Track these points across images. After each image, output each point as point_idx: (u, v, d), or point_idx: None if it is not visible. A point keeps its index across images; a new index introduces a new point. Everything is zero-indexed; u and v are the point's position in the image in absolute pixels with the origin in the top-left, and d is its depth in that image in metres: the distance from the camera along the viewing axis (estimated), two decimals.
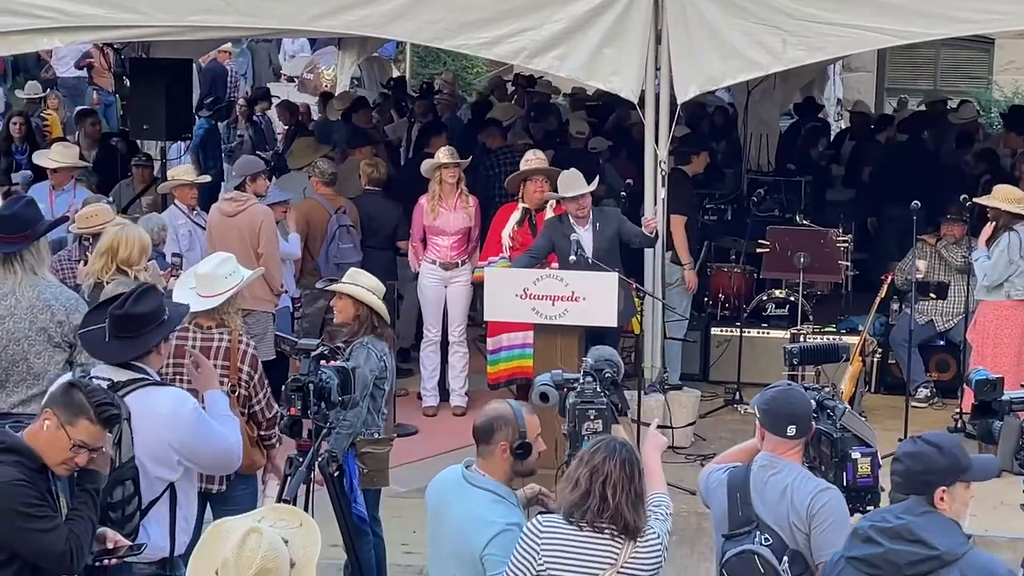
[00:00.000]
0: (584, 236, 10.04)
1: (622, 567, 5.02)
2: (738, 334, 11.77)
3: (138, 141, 14.23)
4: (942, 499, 4.64)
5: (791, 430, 5.32)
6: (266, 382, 7.04)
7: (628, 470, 5.03)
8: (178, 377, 6.95)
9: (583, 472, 5.05)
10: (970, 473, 4.75)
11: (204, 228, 10.81)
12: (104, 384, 5.65)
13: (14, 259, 6.95)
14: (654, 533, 5.12)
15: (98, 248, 8.08)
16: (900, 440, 10.03)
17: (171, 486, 5.89)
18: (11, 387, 6.86)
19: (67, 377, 5.57)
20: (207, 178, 11.74)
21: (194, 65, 16.50)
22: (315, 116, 18.85)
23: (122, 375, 5.93)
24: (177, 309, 6.35)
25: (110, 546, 5.38)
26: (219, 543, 4.32)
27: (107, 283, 7.81)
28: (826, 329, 11.61)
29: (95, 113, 16.49)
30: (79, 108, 17.41)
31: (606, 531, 5.02)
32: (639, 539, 5.04)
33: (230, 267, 7.05)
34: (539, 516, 5.16)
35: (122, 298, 6.06)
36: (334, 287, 7.62)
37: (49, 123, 17.02)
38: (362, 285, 7.54)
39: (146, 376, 5.97)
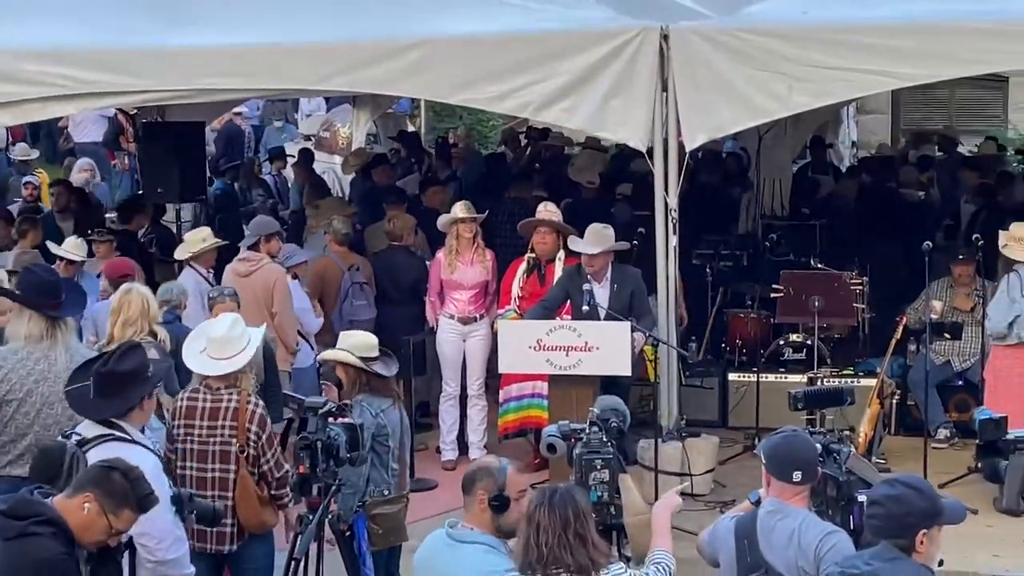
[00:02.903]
0: (600, 292, 10.08)
1: None
2: (756, 379, 11.76)
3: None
4: (922, 542, 4.64)
5: (797, 475, 5.33)
6: (275, 442, 7.08)
7: (561, 515, 5.05)
8: (188, 438, 7.01)
9: (523, 524, 5.11)
10: (944, 516, 4.76)
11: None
12: (74, 439, 5.72)
13: (58, 324, 7.09)
14: (620, 567, 5.14)
15: (126, 319, 8.18)
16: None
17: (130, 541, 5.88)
18: None
19: (110, 461, 5.58)
20: (226, 242, 11.81)
21: (207, 127, 16.62)
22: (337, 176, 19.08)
23: (93, 431, 6.05)
24: (160, 365, 6.42)
25: None
26: None
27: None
28: (844, 372, 11.60)
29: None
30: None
31: (562, 574, 5.03)
32: (603, 573, 5.06)
33: (240, 328, 7.12)
34: None
35: (106, 356, 6.14)
36: (321, 357, 7.71)
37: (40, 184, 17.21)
38: (342, 345, 7.60)
39: (113, 432, 6.04)
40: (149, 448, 6.24)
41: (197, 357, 7.09)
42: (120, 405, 6.12)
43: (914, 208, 14.59)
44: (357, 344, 7.58)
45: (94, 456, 5.88)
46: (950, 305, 11.50)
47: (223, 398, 7.01)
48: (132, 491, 5.20)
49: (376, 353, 7.57)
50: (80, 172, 18.05)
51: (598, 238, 10.21)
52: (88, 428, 6.15)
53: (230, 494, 7.02)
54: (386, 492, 7.42)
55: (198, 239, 11.28)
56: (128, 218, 13.96)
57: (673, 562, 5.40)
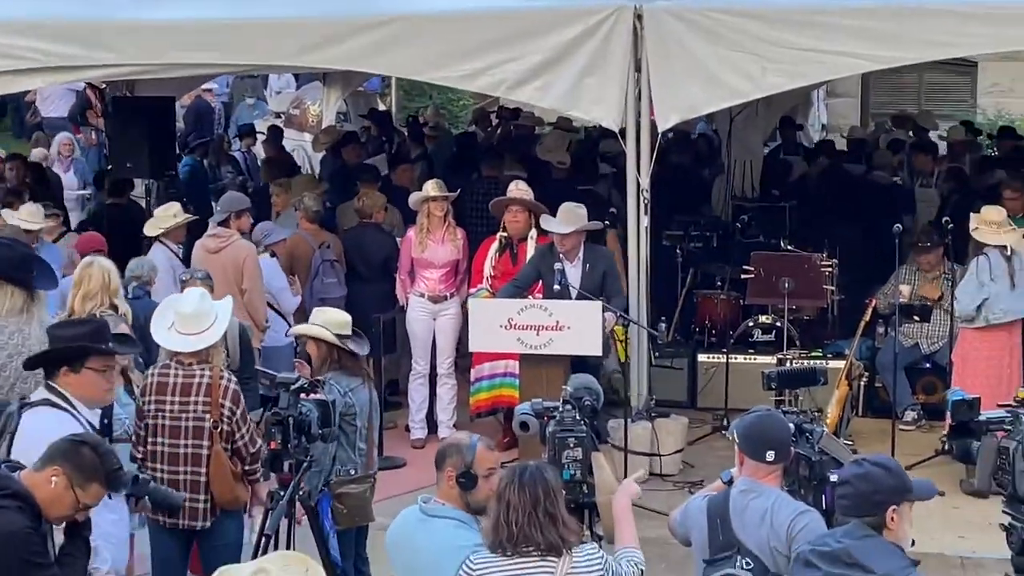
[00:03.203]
0: (572, 271, 10.07)
1: None
2: (725, 361, 11.78)
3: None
4: (892, 519, 4.67)
5: (770, 455, 5.34)
6: (248, 417, 7.05)
7: (531, 492, 5.05)
8: (160, 414, 6.97)
9: (493, 502, 5.11)
10: (914, 493, 4.78)
11: (188, 265, 10.85)
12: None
13: (34, 298, 7.06)
14: (592, 547, 5.15)
15: (86, 292, 8.14)
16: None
17: None
18: None
19: (78, 434, 5.55)
20: (196, 217, 11.74)
21: (177, 103, 16.54)
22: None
23: (39, 395, 6.13)
24: (129, 347, 6.42)
25: None
26: None
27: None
28: (812, 354, 11.62)
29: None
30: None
31: (532, 553, 5.03)
32: (574, 553, 5.05)
33: (209, 302, 7.08)
34: (470, 556, 5.14)
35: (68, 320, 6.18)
36: (292, 331, 7.67)
37: None
38: (319, 323, 7.56)
39: (51, 398, 6.06)
40: (84, 422, 6.19)
41: (166, 333, 7.05)
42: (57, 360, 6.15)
43: (885, 191, 14.61)
44: (331, 321, 7.54)
45: (27, 420, 5.94)
46: (917, 293, 11.54)
47: (195, 373, 6.98)
48: (101, 465, 5.16)
49: (349, 331, 7.53)
50: (57, 146, 17.89)
51: (571, 217, 10.19)
52: (38, 393, 6.18)
53: (203, 470, 6.99)
54: (352, 472, 7.35)
55: (168, 215, 11.21)
56: (121, 190, 13.88)
57: (642, 557, 5.40)
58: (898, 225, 10.67)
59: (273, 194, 12.71)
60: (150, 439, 7.09)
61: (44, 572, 5.05)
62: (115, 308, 8.27)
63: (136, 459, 7.09)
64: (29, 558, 5.01)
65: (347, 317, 7.65)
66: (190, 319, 7.03)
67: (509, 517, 5.02)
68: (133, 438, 7.15)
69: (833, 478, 5.32)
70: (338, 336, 7.45)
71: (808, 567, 4.71)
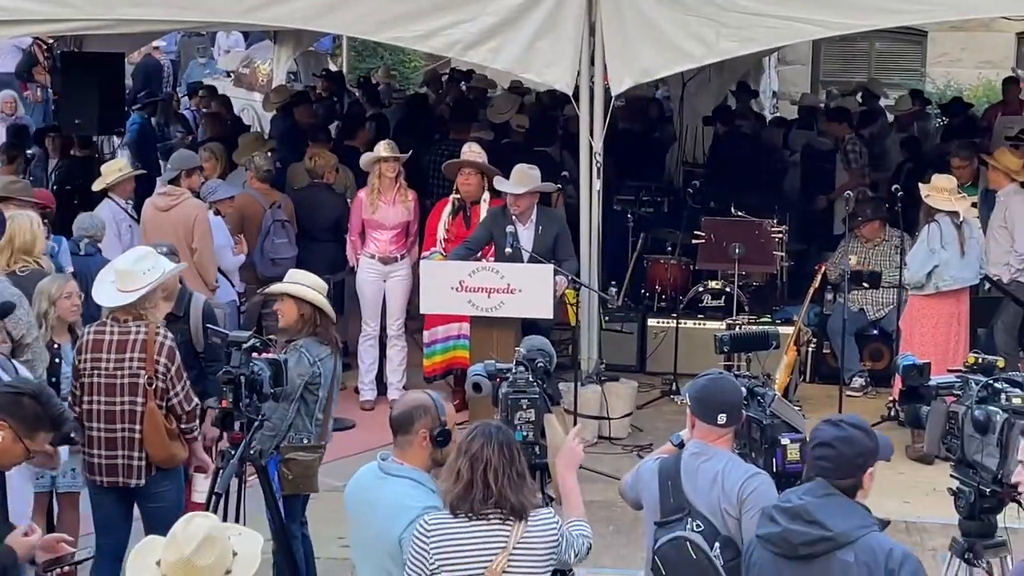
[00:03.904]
0: (524, 233, 10.06)
1: (514, 548, 5.03)
2: (675, 325, 11.83)
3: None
4: (869, 479, 4.74)
5: (721, 418, 5.35)
6: (184, 375, 7.02)
7: (507, 453, 5.05)
8: (95, 372, 6.92)
9: (463, 463, 5.05)
10: (881, 453, 4.84)
11: (138, 222, 10.77)
12: None
13: None
14: (548, 512, 5.16)
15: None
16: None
17: None
18: None
19: (16, 384, 5.50)
20: (143, 171, 11.65)
21: (126, 60, 16.37)
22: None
23: None
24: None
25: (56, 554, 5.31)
26: (157, 541, 4.36)
27: (20, 272, 8.14)
28: (761, 320, 11.69)
29: None
30: None
31: (492, 517, 5.02)
32: (530, 518, 5.06)
33: (150, 262, 7.04)
34: (424, 516, 5.14)
35: None
36: (274, 288, 7.56)
37: None
38: (304, 283, 7.46)
39: None
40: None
41: (104, 289, 7.00)
42: None
43: (829, 157, 14.69)
44: (316, 284, 7.44)
45: None
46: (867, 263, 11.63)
47: (131, 330, 6.95)
48: (44, 412, 5.16)
49: (325, 297, 7.48)
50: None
51: (524, 178, 10.17)
52: None
53: (138, 427, 6.97)
54: (304, 440, 7.29)
55: (114, 169, 11.15)
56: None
57: (590, 531, 5.40)
58: (849, 192, 10.72)
59: (203, 160, 12.32)
60: (86, 397, 7.04)
61: None
62: (39, 264, 8.30)
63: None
64: None
65: (325, 285, 7.56)
66: (126, 276, 6.98)
67: (487, 477, 4.99)
68: (69, 398, 7.09)
69: (784, 441, 5.38)
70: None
71: (771, 522, 4.77)
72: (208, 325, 6.93)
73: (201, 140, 15.33)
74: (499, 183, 10.31)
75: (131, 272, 6.99)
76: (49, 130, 15.25)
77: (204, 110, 17.36)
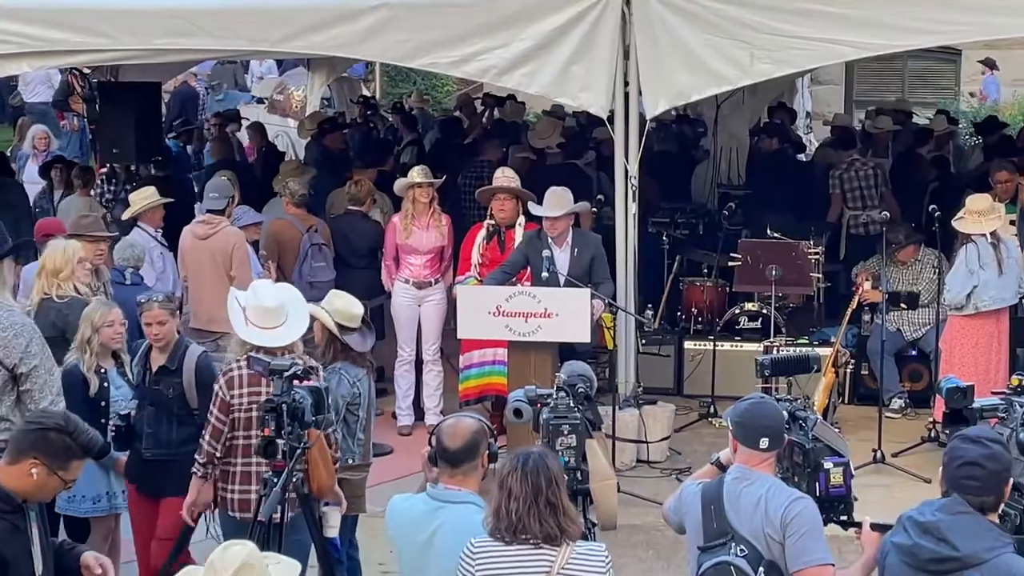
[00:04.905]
0: (560, 256, 10.07)
1: (559, 572, 5.00)
2: (711, 348, 11.80)
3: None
4: (1008, 488, 4.81)
5: (764, 442, 5.33)
6: None
7: (533, 482, 5.01)
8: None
9: (495, 490, 5.08)
10: None
11: (169, 249, 10.81)
12: None
13: None
14: (600, 546, 5.13)
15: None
16: (875, 450, 10.12)
17: None
18: None
19: (39, 419, 5.50)
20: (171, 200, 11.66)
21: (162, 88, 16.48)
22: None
23: None
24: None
25: (98, 572, 5.33)
26: (197, 571, 4.47)
27: (57, 298, 8.33)
28: (799, 341, 11.64)
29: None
30: None
31: (530, 541, 5.01)
32: (579, 548, 5.04)
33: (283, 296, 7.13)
34: (472, 539, 5.12)
35: None
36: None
37: None
38: (331, 308, 7.49)
39: None
40: None
41: (248, 328, 6.96)
42: None
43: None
44: (340, 309, 7.46)
45: None
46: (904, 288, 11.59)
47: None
48: (73, 442, 5.15)
49: (356, 324, 7.48)
50: (32, 139, 17.73)
51: (558, 201, 10.18)
52: None
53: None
54: (350, 460, 7.37)
55: (141, 197, 11.17)
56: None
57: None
58: (885, 212, 10.68)
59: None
60: (240, 433, 6.96)
61: (9, 574, 5.06)
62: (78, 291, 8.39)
63: (214, 456, 7.01)
64: (3, 557, 5.02)
65: (359, 310, 7.55)
66: (264, 313, 6.96)
67: (510, 506, 5.00)
68: (210, 434, 6.98)
69: (827, 465, 5.35)
70: (340, 327, 7.41)
71: (904, 532, 4.85)
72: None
73: (207, 165, 15.47)
74: (534, 208, 10.32)
75: (274, 310, 6.99)
76: (55, 162, 15.36)
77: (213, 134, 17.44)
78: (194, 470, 7.06)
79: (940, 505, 4.79)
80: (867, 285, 11.16)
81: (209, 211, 10.66)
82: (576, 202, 10.38)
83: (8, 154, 16.62)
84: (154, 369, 7.65)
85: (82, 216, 10.31)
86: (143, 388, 7.74)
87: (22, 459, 5.12)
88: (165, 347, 7.65)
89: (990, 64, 22.09)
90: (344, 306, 7.52)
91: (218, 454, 6.99)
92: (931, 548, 4.71)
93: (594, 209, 11.23)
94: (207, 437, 6.99)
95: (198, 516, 7.26)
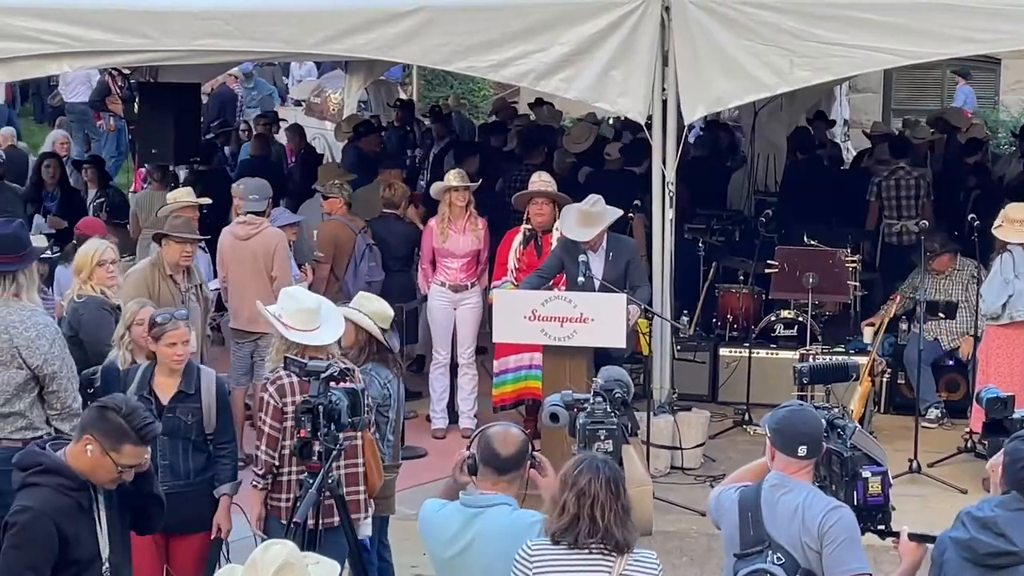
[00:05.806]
0: (594, 261, 10.05)
1: None
2: (747, 355, 11.77)
3: None
4: None
5: (802, 450, 5.31)
6: None
7: (614, 488, 5.01)
8: None
9: (570, 496, 5.01)
10: None
11: (204, 250, 10.87)
12: None
13: (5, 279, 7.01)
14: (651, 554, 5.11)
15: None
16: (911, 460, 10.07)
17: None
18: None
19: (104, 400, 5.55)
20: (207, 200, 11.66)
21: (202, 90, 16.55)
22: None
23: None
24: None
25: None
26: (236, 570, 4.56)
27: (76, 297, 8.41)
28: (835, 349, 11.58)
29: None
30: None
31: (594, 549, 4.99)
32: (634, 555, 5.02)
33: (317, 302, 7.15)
34: (528, 541, 5.11)
35: None
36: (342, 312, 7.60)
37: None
38: (363, 310, 7.51)
39: None
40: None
41: (286, 331, 6.95)
42: None
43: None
44: (376, 312, 7.50)
45: None
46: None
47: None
48: (128, 425, 5.22)
49: (388, 325, 7.52)
50: (54, 144, 17.75)
51: (588, 220, 10.09)
52: None
53: (359, 460, 6.99)
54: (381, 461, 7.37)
55: (174, 198, 11.19)
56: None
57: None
58: (924, 221, 10.63)
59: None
60: (283, 441, 6.92)
61: (71, 550, 5.16)
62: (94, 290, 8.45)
63: (273, 466, 6.95)
64: (63, 534, 5.13)
65: (390, 312, 7.61)
66: (305, 314, 6.97)
67: (595, 512, 4.96)
68: (266, 443, 6.91)
69: (866, 474, 5.33)
70: (380, 329, 7.45)
71: (962, 526, 4.92)
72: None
73: (242, 160, 15.49)
74: (565, 229, 10.22)
75: (312, 311, 6.99)
76: (85, 162, 15.40)
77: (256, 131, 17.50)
78: (253, 483, 6.95)
79: (999, 502, 4.87)
80: (892, 308, 11.14)
81: (249, 212, 10.68)
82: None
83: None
84: (167, 396, 7.11)
85: (175, 216, 10.11)
86: None
87: (82, 436, 5.28)
88: (178, 370, 7.17)
89: (964, 74, 22.04)
90: (380, 308, 7.56)
91: (276, 463, 6.92)
92: (989, 543, 4.78)
93: (630, 215, 11.19)
94: (263, 447, 6.88)
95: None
